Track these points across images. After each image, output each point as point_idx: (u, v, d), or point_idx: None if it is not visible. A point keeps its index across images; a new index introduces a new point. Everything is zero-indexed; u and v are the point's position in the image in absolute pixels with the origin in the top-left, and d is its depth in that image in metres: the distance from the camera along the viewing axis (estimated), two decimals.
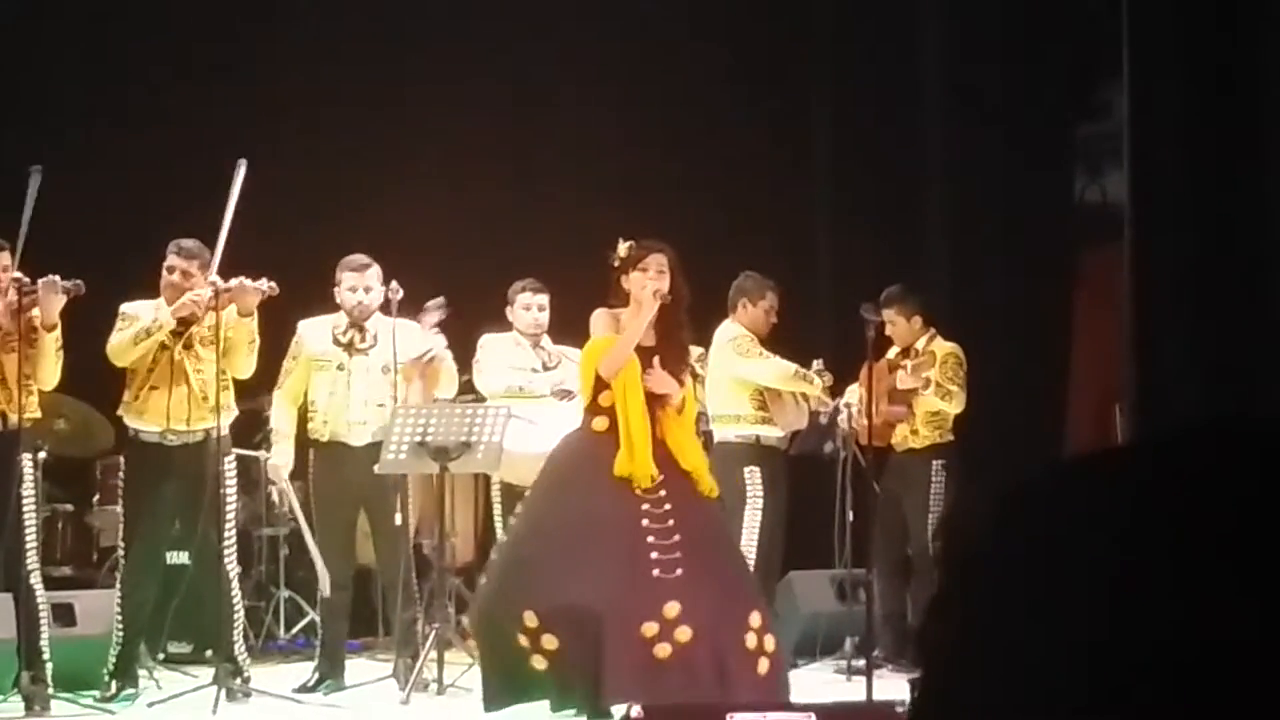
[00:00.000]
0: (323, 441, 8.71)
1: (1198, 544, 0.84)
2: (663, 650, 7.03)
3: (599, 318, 7.56)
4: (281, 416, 8.74)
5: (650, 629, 7.03)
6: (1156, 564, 0.84)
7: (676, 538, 7.22)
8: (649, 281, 7.46)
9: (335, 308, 8.75)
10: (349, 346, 8.69)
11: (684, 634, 7.05)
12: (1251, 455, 0.87)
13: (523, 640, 7.09)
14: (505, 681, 7.22)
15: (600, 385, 7.46)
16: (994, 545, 0.90)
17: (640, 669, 6.98)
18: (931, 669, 0.90)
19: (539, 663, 7.10)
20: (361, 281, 8.68)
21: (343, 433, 8.65)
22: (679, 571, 7.15)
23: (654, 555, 7.17)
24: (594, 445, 7.41)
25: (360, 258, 8.75)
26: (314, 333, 8.72)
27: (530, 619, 7.07)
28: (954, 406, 9.53)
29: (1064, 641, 0.84)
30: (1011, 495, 0.91)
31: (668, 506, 7.29)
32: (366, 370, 8.67)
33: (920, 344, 9.69)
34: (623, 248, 7.54)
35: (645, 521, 7.23)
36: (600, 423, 7.43)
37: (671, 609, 7.06)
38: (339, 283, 8.72)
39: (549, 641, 7.06)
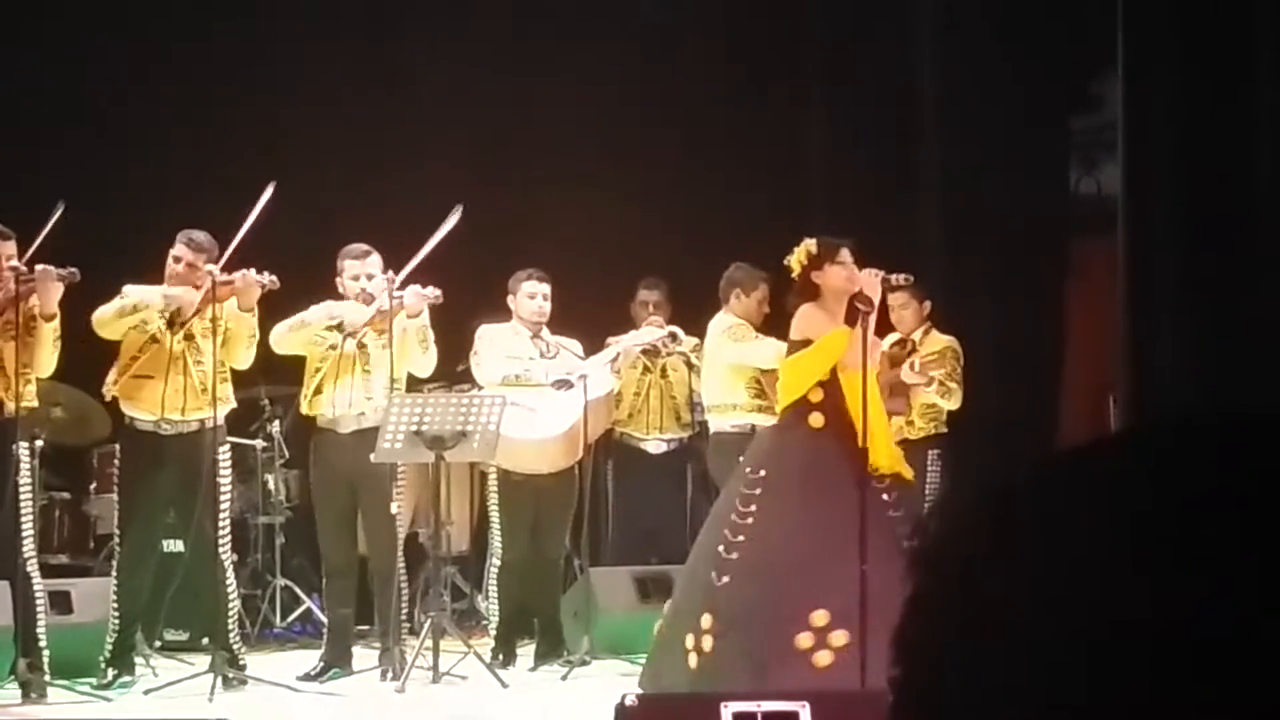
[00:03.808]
0: (317, 425, 8.72)
1: (1176, 540, 0.83)
2: None
3: (811, 314, 7.61)
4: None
5: None
6: (1131, 561, 0.84)
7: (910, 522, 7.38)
8: (850, 271, 7.59)
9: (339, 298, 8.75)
10: (339, 329, 8.67)
11: None
12: (1236, 450, 0.86)
13: (805, 640, 7.16)
14: (764, 674, 7.18)
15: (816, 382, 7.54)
16: (969, 543, 0.90)
17: None
18: (908, 668, 0.90)
19: (824, 659, 7.15)
20: (363, 269, 8.70)
21: (330, 417, 8.66)
22: None
23: (904, 544, 7.26)
24: (823, 445, 7.48)
25: (361, 246, 8.77)
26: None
27: (820, 617, 7.13)
28: (952, 403, 9.53)
29: (1038, 640, 0.84)
30: (987, 492, 0.90)
31: (896, 492, 7.45)
32: (355, 356, 8.65)
33: (917, 336, 9.69)
34: (812, 245, 7.66)
35: (890, 512, 7.37)
36: (817, 419, 7.52)
37: None
38: (341, 271, 8.74)
39: (839, 638, 7.13)
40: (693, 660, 7.38)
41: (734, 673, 7.23)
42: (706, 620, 7.35)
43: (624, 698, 5.90)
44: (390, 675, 8.42)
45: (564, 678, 8.74)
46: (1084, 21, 11.16)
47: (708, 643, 7.34)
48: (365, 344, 8.61)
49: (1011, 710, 0.84)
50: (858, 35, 11.64)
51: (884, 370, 9.36)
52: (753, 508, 7.45)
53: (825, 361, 7.54)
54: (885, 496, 7.40)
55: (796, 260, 7.71)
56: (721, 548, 7.43)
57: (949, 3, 11.39)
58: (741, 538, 7.39)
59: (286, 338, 8.67)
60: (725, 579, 7.36)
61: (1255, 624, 0.81)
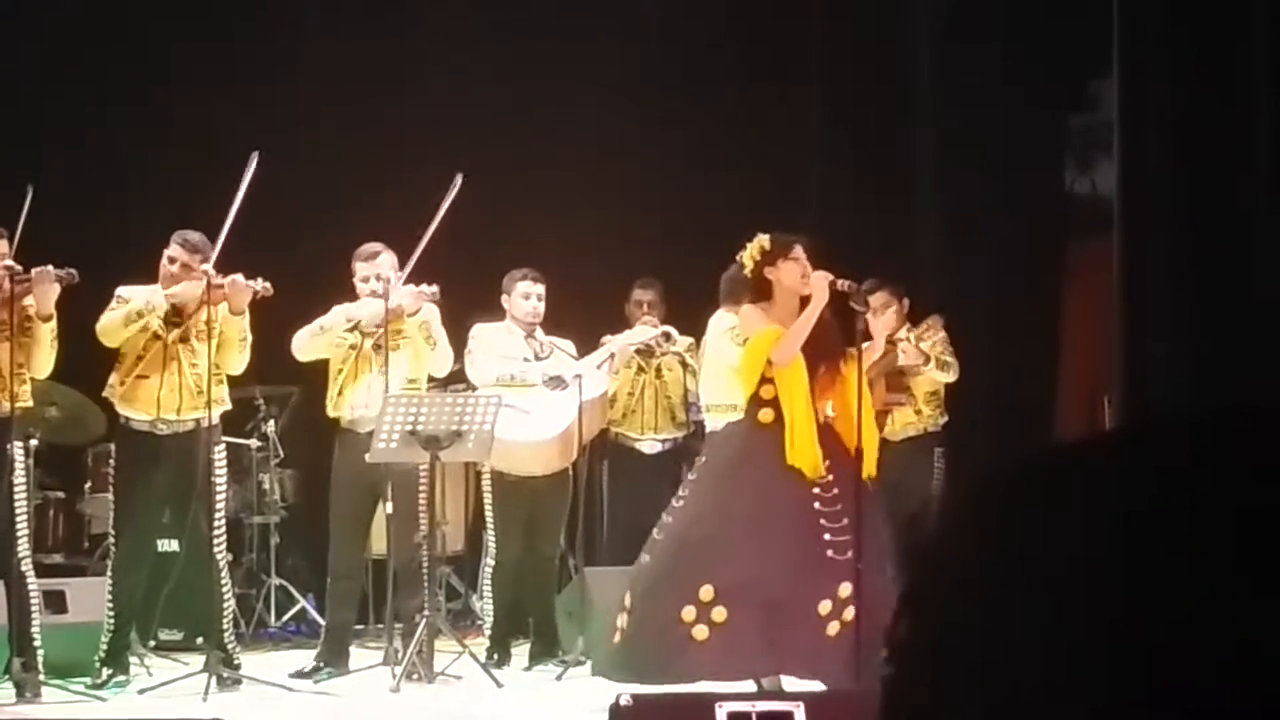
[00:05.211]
0: (340, 425, 8.73)
1: (1173, 538, 0.83)
2: (833, 628, 7.28)
3: (750, 313, 7.71)
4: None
5: (825, 607, 7.27)
6: (1128, 559, 0.83)
7: (846, 521, 7.39)
8: (804, 268, 7.60)
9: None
10: (358, 330, 8.69)
11: (850, 614, 7.29)
12: (1233, 446, 0.86)
13: (689, 614, 7.27)
14: (659, 654, 7.35)
15: (763, 379, 7.62)
16: (962, 541, 0.89)
17: (811, 647, 7.25)
18: (898, 668, 0.89)
19: (700, 633, 7.28)
20: (372, 270, 8.72)
21: (350, 418, 8.67)
22: (850, 554, 7.34)
23: (827, 537, 7.37)
24: (761, 438, 7.56)
25: (371, 246, 8.79)
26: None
27: (706, 592, 7.26)
28: (952, 375, 9.50)
29: (1032, 639, 0.84)
30: (980, 490, 0.90)
31: (836, 491, 7.48)
32: (372, 357, 8.67)
33: (903, 334, 9.68)
34: (765, 240, 7.69)
35: (817, 505, 7.44)
36: (766, 415, 7.61)
37: (844, 589, 7.29)
38: (355, 274, 8.76)
39: (719, 614, 7.25)
40: (616, 637, 7.56)
41: (638, 648, 7.40)
42: (627, 599, 7.53)
43: (619, 698, 5.90)
44: (414, 677, 8.32)
45: (559, 678, 8.74)
46: (1081, 21, 11.16)
47: (623, 620, 7.50)
48: (381, 345, 8.61)
49: (1005, 710, 0.84)
50: (856, 35, 11.63)
51: (877, 363, 9.36)
52: (685, 492, 7.68)
53: (755, 360, 7.65)
54: (816, 490, 7.46)
55: (749, 256, 7.71)
56: (655, 530, 7.65)
57: (948, 2, 11.39)
58: (670, 519, 7.60)
59: (308, 345, 8.71)
60: (646, 557, 7.58)
61: (1255, 623, 0.81)
